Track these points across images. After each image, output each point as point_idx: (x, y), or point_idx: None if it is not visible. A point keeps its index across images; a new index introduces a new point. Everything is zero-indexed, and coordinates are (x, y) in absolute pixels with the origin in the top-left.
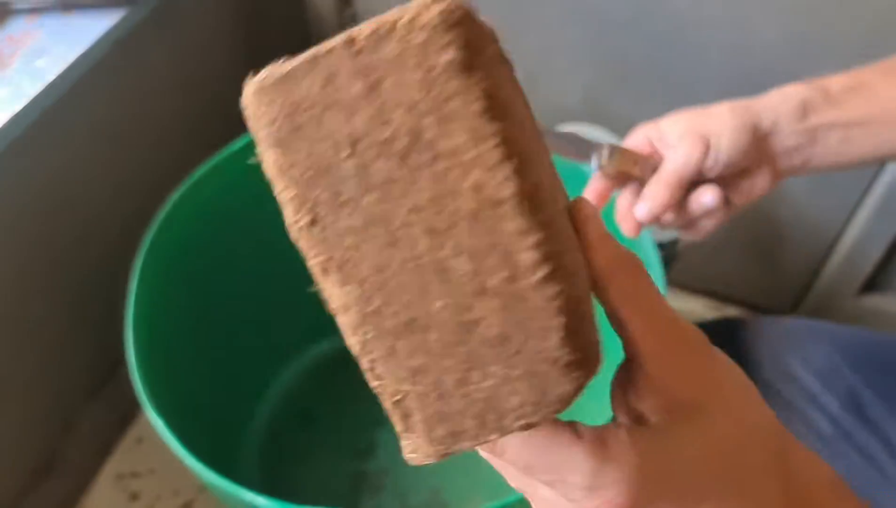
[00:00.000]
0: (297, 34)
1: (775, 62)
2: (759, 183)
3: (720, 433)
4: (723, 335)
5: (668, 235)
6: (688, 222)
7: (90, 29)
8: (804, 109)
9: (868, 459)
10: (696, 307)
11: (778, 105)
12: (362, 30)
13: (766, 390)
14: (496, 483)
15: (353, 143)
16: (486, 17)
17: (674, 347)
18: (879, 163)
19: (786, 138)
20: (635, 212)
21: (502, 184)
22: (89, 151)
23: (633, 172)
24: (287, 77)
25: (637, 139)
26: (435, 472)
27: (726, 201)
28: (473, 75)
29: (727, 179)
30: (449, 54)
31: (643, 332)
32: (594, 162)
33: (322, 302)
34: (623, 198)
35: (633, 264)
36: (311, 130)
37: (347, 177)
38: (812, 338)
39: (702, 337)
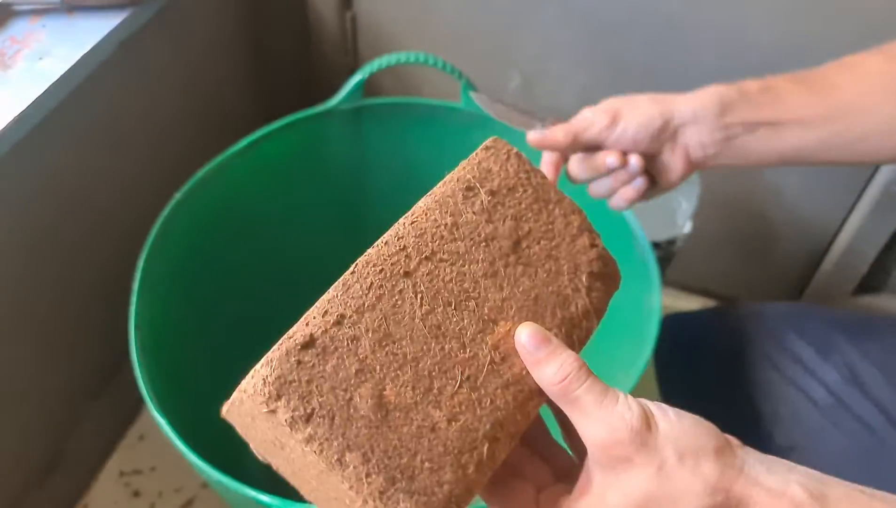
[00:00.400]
0: (298, 35)
1: (769, 64)
2: (672, 167)
3: (644, 489)
4: (723, 316)
5: (665, 235)
6: (614, 184)
7: (93, 30)
8: (722, 106)
9: (868, 430)
10: (692, 306)
11: (698, 101)
12: None
13: (764, 363)
14: None
15: None
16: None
17: (614, 437)
18: (782, 164)
19: (703, 133)
20: (528, 136)
21: None
22: (92, 152)
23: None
24: None
25: (605, 107)
26: None
27: (651, 179)
28: None
29: (647, 159)
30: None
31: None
32: (535, 132)
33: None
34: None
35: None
36: None
37: None
38: (810, 317)
39: (643, 413)
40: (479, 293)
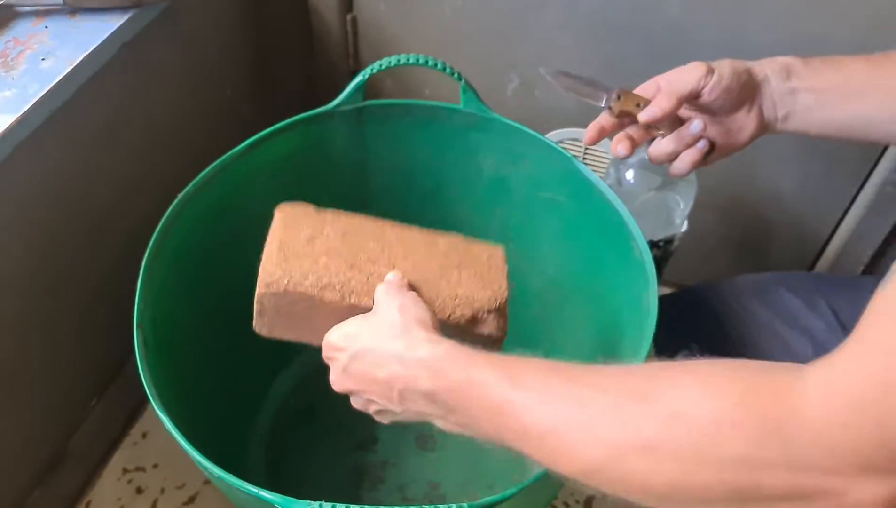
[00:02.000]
0: (300, 37)
1: None
2: (746, 126)
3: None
4: (717, 287)
5: (662, 234)
6: (676, 147)
7: (96, 31)
8: (788, 72)
9: None
10: None
11: (767, 63)
12: None
13: (744, 314)
14: (493, 476)
15: None
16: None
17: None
18: (847, 136)
19: (773, 91)
20: (643, 115)
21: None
22: (96, 152)
23: (635, 112)
24: None
25: (647, 87)
26: (434, 466)
27: (711, 145)
28: None
29: (719, 119)
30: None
31: None
32: (603, 102)
33: None
34: (621, 132)
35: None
36: None
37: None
38: (796, 276)
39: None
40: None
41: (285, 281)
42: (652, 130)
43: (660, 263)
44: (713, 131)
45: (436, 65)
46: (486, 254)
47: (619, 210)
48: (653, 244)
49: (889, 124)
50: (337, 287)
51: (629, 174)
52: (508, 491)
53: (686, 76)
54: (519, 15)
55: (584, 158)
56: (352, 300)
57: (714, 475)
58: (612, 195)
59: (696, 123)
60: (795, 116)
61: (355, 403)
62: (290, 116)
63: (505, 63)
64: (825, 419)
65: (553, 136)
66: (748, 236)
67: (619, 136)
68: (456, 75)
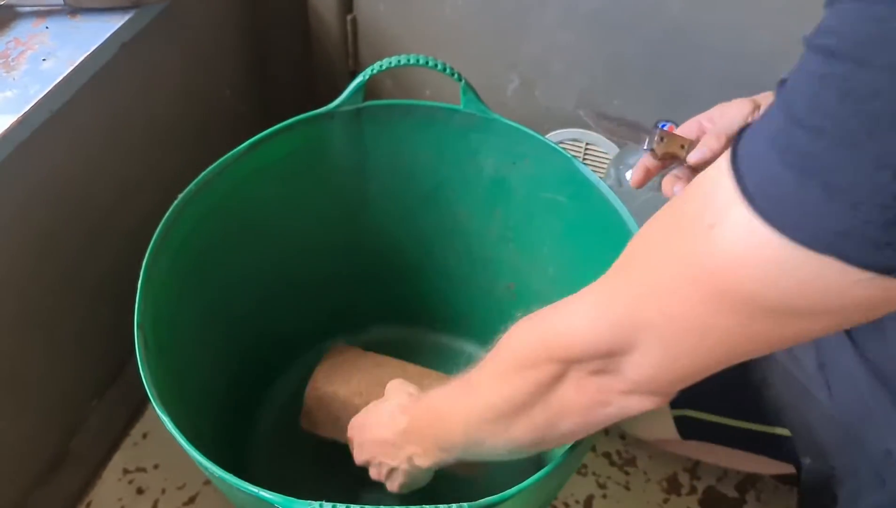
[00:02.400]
0: (299, 38)
1: (770, 66)
2: None
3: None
4: None
5: None
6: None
7: (96, 32)
8: None
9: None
10: None
11: None
12: None
13: None
14: (493, 478)
15: None
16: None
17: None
18: None
19: None
20: (693, 156)
21: None
22: (96, 152)
23: (679, 154)
24: None
25: (689, 126)
26: None
27: None
28: None
29: None
30: None
31: None
32: (646, 144)
33: (326, 301)
34: (669, 173)
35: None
36: None
37: None
38: None
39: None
40: None
41: (328, 387)
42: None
43: None
44: None
45: (436, 65)
46: None
47: (619, 210)
48: None
49: None
50: (363, 395)
51: (629, 175)
52: (508, 492)
53: (732, 113)
54: (519, 15)
55: (584, 159)
56: None
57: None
58: (611, 196)
59: None
60: None
61: (373, 473)
62: (290, 116)
63: (505, 63)
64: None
65: (553, 136)
66: None
67: (669, 178)
68: (456, 76)
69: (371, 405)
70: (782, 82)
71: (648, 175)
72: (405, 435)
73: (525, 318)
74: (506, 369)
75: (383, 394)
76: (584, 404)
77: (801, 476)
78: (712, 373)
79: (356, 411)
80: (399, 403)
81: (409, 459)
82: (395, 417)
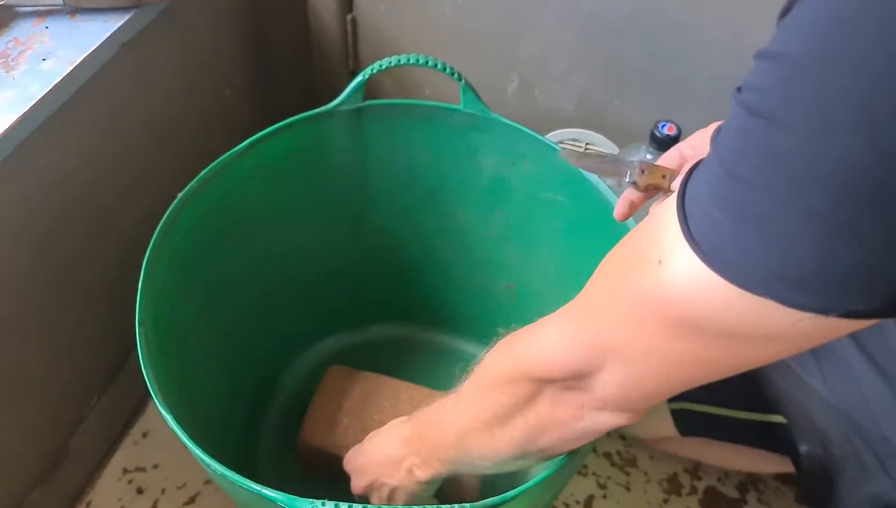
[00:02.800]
0: (299, 37)
1: None
2: None
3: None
4: None
5: None
6: None
7: (96, 32)
8: None
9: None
10: None
11: None
12: None
13: None
14: (492, 479)
15: None
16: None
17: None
18: None
19: None
20: (673, 187)
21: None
22: (96, 152)
23: (662, 184)
24: None
25: (671, 155)
26: None
27: None
28: None
29: None
30: None
31: None
32: (627, 178)
33: (326, 300)
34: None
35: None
36: None
37: None
38: None
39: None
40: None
41: (315, 440)
42: None
43: None
44: None
45: (436, 65)
46: None
47: None
48: None
49: None
50: (350, 447)
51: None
52: (509, 493)
53: (706, 136)
54: (519, 15)
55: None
56: None
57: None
58: (611, 196)
59: None
60: None
61: (374, 499)
62: (290, 116)
63: (505, 63)
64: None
65: (553, 136)
66: None
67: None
68: (456, 75)
69: (370, 435)
70: (738, 90)
71: (633, 208)
72: (407, 445)
73: (506, 337)
74: (488, 383)
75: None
76: (559, 419)
77: (799, 466)
78: (680, 392)
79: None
80: (401, 420)
81: (409, 472)
82: (397, 429)
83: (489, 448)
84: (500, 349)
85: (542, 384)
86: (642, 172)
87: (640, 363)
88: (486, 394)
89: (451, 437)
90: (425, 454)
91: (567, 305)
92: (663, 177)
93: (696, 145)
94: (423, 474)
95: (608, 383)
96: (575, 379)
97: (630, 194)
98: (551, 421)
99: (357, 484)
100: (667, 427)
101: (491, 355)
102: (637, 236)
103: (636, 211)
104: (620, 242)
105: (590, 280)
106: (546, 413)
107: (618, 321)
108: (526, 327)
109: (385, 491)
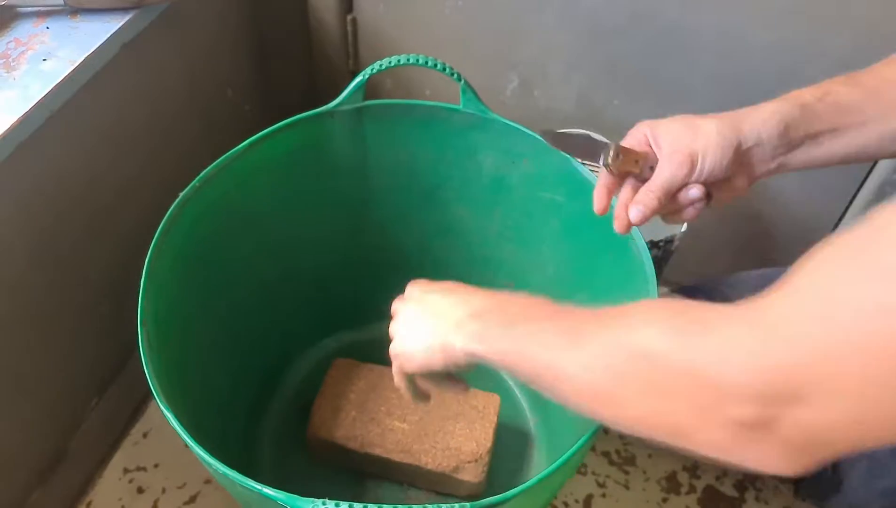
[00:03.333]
0: (300, 38)
1: (766, 67)
2: (737, 185)
3: None
4: (729, 281)
5: (662, 234)
6: (674, 211)
7: (97, 32)
8: (785, 126)
9: None
10: None
11: (761, 124)
12: None
13: None
14: (494, 477)
15: None
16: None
17: None
18: (845, 163)
19: (766, 152)
20: (629, 214)
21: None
22: (97, 152)
23: (634, 169)
24: None
25: (637, 135)
26: None
27: (708, 196)
28: None
29: (709, 181)
30: None
31: None
32: (602, 160)
33: (327, 299)
34: (623, 194)
35: None
36: None
37: None
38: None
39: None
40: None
41: (324, 432)
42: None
43: (659, 263)
44: (711, 186)
45: (436, 65)
46: (482, 403)
47: None
48: (652, 244)
49: (879, 148)
50: (358, 439)
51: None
52: (509, 493)
53: (670, 174)
54: (519, 15)
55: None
56: (367, 450)
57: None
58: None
59: (694, 191)
60: (791, 163)
61: (404, 308)
62: (290, 116)
63: (505, 63)
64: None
65: None
66: (748, 235)
67: (622, 205)
68: (456, 76)
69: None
70: None
71: (610, 194)
72: (475, 319)
73: (671, 311)
74: (635, 352)
75: (380, 437)
76: (710, 439)
77: None
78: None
79: (350, 453)
80: (477, 297)
81: (458, 325)
82: (470, 299)
83: (584, 402)
84: (661, 325)
85: (713, 400)
86: (617, 155)
87: (868, 399)
88: (627, 361)
89: (539, 361)
90: (489, 338)
91: (760, 302)
92: (636, 162)
93: (659, 140)
94: (462, 337)
95: (803, 420)
96: (758, 405)
97: (606, 182)
98: (695, 434)
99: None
100: None
101: (646, 323)
102: (873, 246)
103: (612, 196)
104: (837, 245)
105: (791, 283)
106: (693, 425)
107: (848, 341)
108: (699, 308)
109: (415, 316)
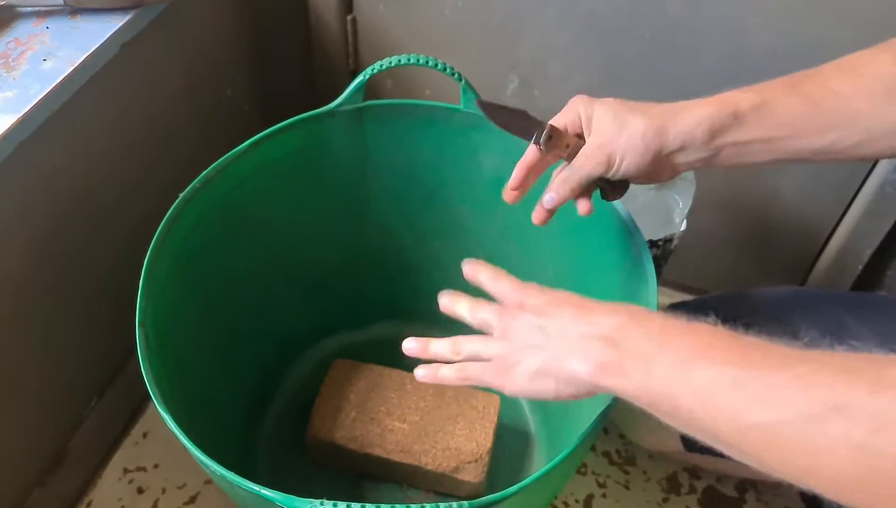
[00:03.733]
0: (300, 38)
1: (768, 65)
2: (657, 178)
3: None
4: (729, 300)
5: (661, 233)
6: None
7: (97, 32)
8: (712, 133)
9: None
10: None
11: (688, 130)
12: None
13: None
14: (493, 475)
15: None
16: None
17: None
18: (777, 166)
19: (690, 155)
20: (543, 199)
21: None
22: (96, 152)
23: (562, 153)
24: None
25: (570, 114)
26: None
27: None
28: None
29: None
30: None
31: None
32: (534, 138)
33: (327, 299)
34: (548, 190)
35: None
36: None
37: None
38: (817, 298)
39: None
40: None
41: (323, 433)
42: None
43: (659, 262)
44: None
45: (436, 65)
46: (482, 404)
47: (618, 209)
48: (652, 244)
49: (812, 157)
50: (358, 440)
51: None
52: (508, 490)
53: (587, 170)
54: (519, 15)
55: None
56: (367, 451)
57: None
58: None
59: (549, 196)
60: (717, 162)
61: (515, 322)
62: (290, 116)
63: (505, 63)
64: None
65: None
66: (747, 235)
67: (552, 185)
68: (456, 76)
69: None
70: None
71: (529, 173)
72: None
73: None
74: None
75: (380, 437)
76: None
77: None
78: None
79: (352, 454)
80: (622, 315)
81: (586, 352)
82: (610, 321)
83: (820, 484)
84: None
85: None
86: (549, 137)
87: None
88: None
89: (742, 421)
90: (643, 375)
91: None
92: (566, 146)
93: (592, 119)
94: (611, 384)
95: None
96: None
97: (530, 160)
98: None
99: (507, 294)
100: (673, 443)
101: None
102: None
103: (532, 174)
104: None
105: None
106: None
107: None
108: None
109: (530, 338)
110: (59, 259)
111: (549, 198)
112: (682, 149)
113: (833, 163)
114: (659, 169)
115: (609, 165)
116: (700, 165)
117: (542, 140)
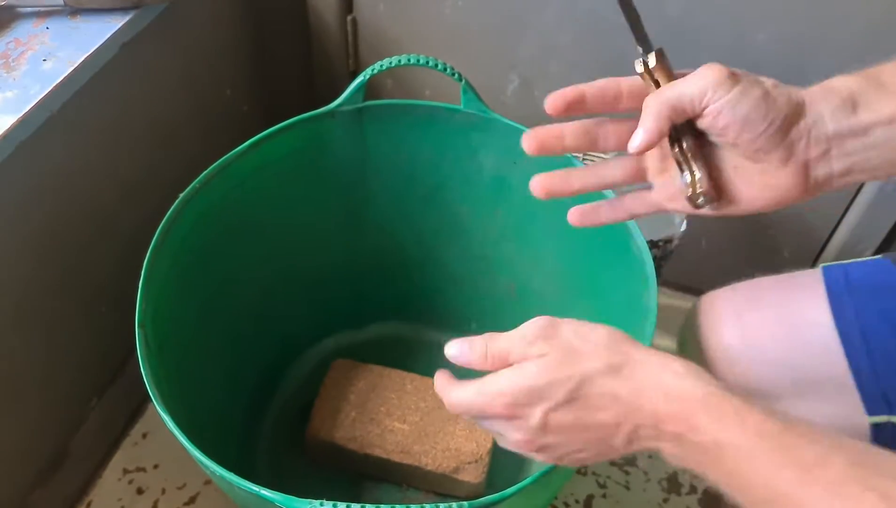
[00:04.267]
0: (299, 38)
1: (768, 65)
2: (775, 182)
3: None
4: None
5: (662, 234)
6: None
7: (97, 32)
8: (853, 103)
9: None
10: (687, 306)
11: (820, 100)
12: None
13: None
14: (493, 475)
15: None
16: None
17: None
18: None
19: (829, 135)
20: (629, 146)
21: None
22: (96, 152)
23: (650, 90)
24: None
25: (607, 84)
26: None
27: (714, 194)
28: None
29: (734, 160)
30: None
31: None
32: (638, 66)
33: (326, 299)
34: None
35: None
36: None
37: None
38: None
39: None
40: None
41: (323, 433)
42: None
43: (659, 262)
44: (721, 174)
45: (436, 65)
46: None
47: None
48: (652, 244)
49: None
50: (358, 440)
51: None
52: (508, 491)
53: (686, 82)
54: (519, 14)
55: (583, 158)
56: (366, 451)
57: None
58: (610, 195)
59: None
60: (871, 160)
61: (547, 456)
62: (290, 116)
63: (505, 63)
64: None
65: None
66: (748, 235)
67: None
68: (456, 76)
69: (559, 362)
70: None
71: (586, 103)
72: (674, 438)
73: None
74: None
75: (379, 437)
76: None
77: None
78: None
79: (352, 455)
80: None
81: (648, 450)
82: (645, 404)
83: None
84: None
85: None
86: (662, 55)
87: None
88: None
89: (756, 488)
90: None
91: None
92: (659, 84)
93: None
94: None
95: None
96: None
97: (604, 83)
98: None
99: (530, 443)
100: None
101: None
102: None
103: (580, 112)
104: None
105: None
106: None
107: None
108: None
109: (578, 457)
110: (59, 259)
111: (636, 144)
112: (821, 121)
113: None
114: (785, 152)
115: (719, 83)
116: (843, 170)
117: (647, 58)
